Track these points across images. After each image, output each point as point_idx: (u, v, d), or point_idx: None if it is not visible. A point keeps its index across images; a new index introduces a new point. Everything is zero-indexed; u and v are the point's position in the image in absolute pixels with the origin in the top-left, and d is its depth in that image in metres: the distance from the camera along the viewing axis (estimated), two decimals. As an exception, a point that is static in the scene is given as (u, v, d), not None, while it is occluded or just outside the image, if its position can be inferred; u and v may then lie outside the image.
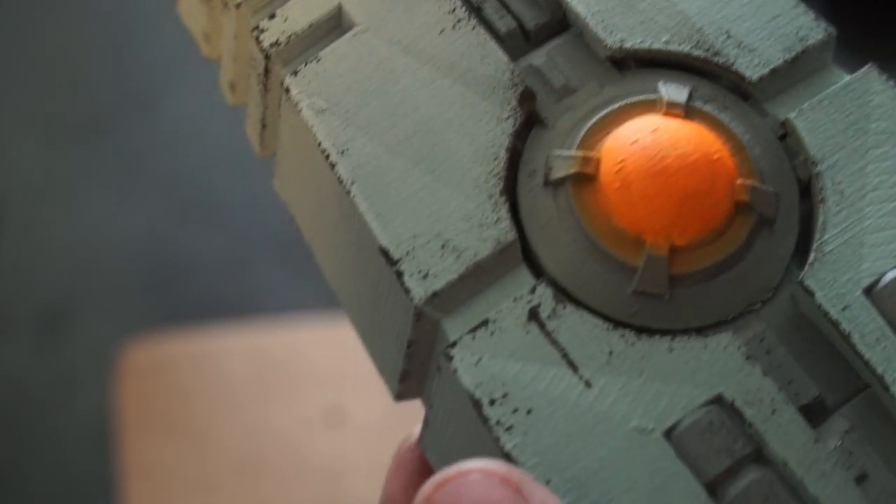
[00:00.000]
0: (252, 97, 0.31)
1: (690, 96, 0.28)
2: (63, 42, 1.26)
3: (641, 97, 0.28)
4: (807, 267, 0.27)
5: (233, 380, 0.99)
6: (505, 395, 0.25)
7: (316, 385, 0.98)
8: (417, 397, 0.30)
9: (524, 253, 0.27)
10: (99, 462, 1.01)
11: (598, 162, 0.27)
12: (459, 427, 0.27)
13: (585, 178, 0.27)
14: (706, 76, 0.29)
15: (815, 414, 0.26)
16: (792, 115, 0.28)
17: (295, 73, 0.29)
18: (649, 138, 0.27)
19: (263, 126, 0.31)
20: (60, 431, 1.05)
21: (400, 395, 0.29)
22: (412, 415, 0.30)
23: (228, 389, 0.98)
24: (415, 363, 0.28)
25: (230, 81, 0.32)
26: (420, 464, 0.29)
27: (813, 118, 0.28)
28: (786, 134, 0.28)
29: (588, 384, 0.25)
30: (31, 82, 1.24)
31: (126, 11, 1.28)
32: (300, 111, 0.28)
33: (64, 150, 1.19)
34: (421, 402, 0.30)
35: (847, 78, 0.29)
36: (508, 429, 0.25)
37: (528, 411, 0.25)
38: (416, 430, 0.29)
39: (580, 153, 0.27)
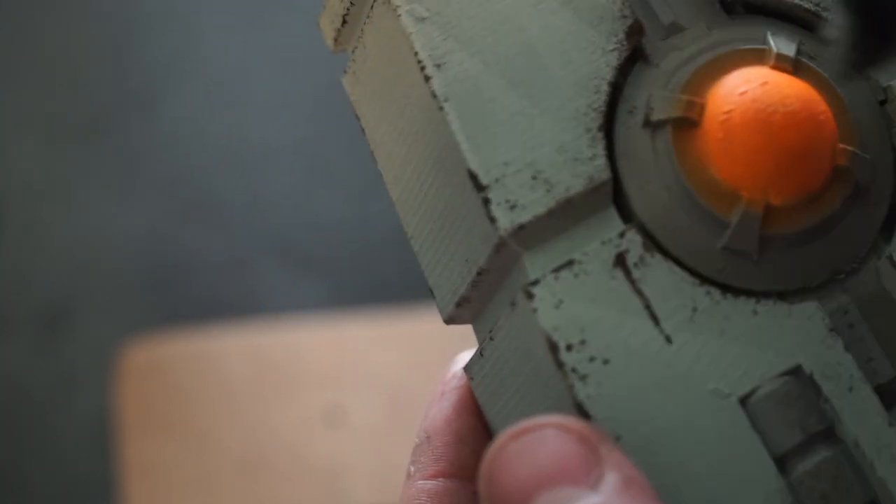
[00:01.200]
0: None
1: (798, 50, 0.27)
2: (63, 42, 1.26)
3: (750, 45, 0.27)
4: (894, 241, 0.26)
5: (233, 380, 0.99)
6: (583, 342, 0.24)
7: (316, 385, 0.98)
8: (468, 323, 0.29)
9: (615, 194, 0.26)
10: (99, 462, 1.01)
11: (702, 108, 0.26)
12: (523, 367, 0.25)
13: (688, 123, 0.26)
14: (811, 30, 0.28)
15: (890, 395, 0.25)
16: (894, 83, 0.27)
17: None
18: (759, 91, 0.26)
19: (344, 22, 0.29)
20: (60, 431, 1.05)
21: (451, 319, 0.28)
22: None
23: (228, 389, 0.98)
24: (478, 292, 0.27)
25: None
26: (464, 393, 0.28)
27: None
28: (886, 100, 0.27)
29: (669, 339, 0.25)
30: (31, 82, 1.24)
31: (126, 11, 1.28)
32: (399, 16, 0.27)
33: (64, 150, 1.19)
34: (474, 331, 0.28)
35: None
36: (583, 377, 0.24)
37: (605, 361, 0.24)
38: (461, 356, 0.28)
39: (685, 96, 0.26)
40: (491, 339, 0.27)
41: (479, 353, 0.27)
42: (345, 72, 0.30)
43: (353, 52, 0.30)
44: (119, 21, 1.28)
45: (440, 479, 0.28)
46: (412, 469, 0.28)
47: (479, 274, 0.26)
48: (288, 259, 1.13)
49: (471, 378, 0.28)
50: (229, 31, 1.25)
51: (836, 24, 0.23)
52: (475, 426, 0.27)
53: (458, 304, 0.28)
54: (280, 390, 0.98)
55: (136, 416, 0.98)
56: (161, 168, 1.19)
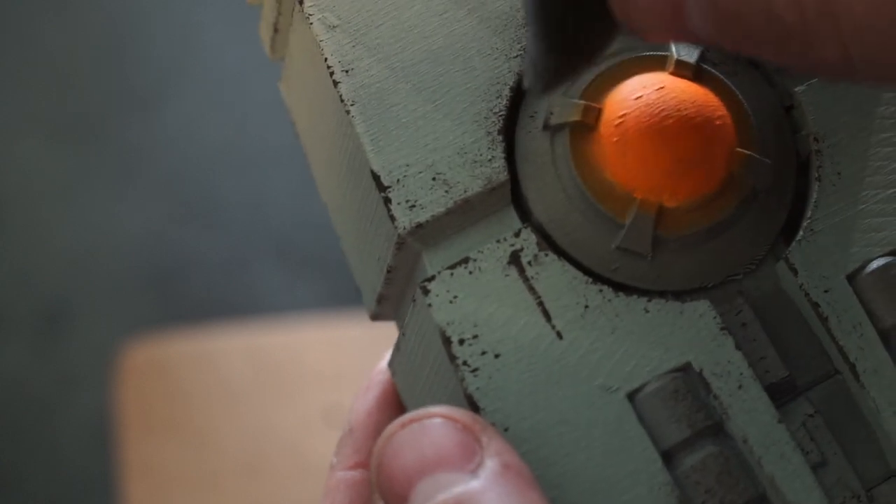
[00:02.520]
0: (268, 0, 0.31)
1: (701, 57, 0.28)
2: (63, 42, 1.26)
3: (651, 52, 0.28)
4: (793, 244, 0.27)
5: (233, 380, 0.99)
6: (475, 337, 0.25)
7: (315, 385, 0.98)
8: (391, 320, 0.30)
9: (513, 196, 0.27)
10: (99, 462, 1.01)
11: (599, 113, 0.27)
12: (427, 359, 0.26)
13: (585, 128, 0.27)
14: None
15: (781, 393, 0.26)
16: (800, 89, 0.28)
17: None
18: (654, 96, 0.27)
19: (276, 30, 0.31)
20: (60, 431, 1.05)
21: (375, 316, 0.30)
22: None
23: (228, 389, 0.98)
24: (392, 288, 0.28)
25: None
26: (387, 387, 0.30)
27: (821, 94, 0.28)
28: (792, 106, 0.28)
29: (560, 335, 0.25)
30: (32, 82, 1.24)
31: (126, 11, 1.28)
32: (311, 24, 0.28)
33: (64, 150, 1.19)
34: (396, 326, 0.30)
35: None
36: (474, 370, 0.25)
37: (497, 355, 0.25)
38: (389, 353, 0.29)
39: (583, 102, 0.27)
40: (403, 334, 0.28)
41: (397, 348, 0.28)
42: (278, 79, 0.32)
43: (283, 59, 0.31)
44: (119, 21, 1.28)
45: (360, 470, 0.29)
46: (334, 460, 0.29)
47: (388, 271, 0.28)
48: (287, 259, 1.13)
49: (393, 373, 0.29)
50: (229, 31, 1.25)
51: (528, 48, 0.24)
52: (395, 418, 0.28)
53: (378, 301, 0.29)
54: (280, 390, 0.98)
55: (136, 416, 0.98)
56: (161, 168, 1.19)
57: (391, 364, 0.29)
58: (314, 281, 1.11)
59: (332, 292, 1.09)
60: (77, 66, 1.25)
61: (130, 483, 0.95)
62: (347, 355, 0.98)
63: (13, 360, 1.09)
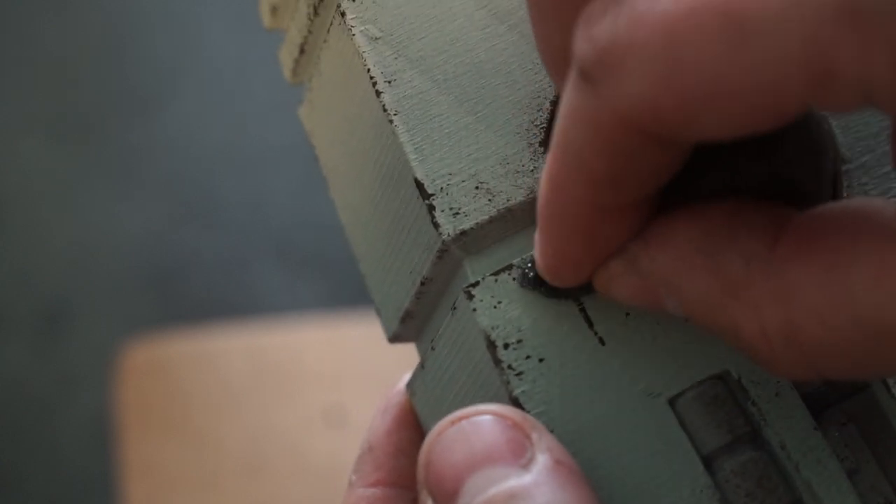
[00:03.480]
0: (297, 21, 0.31)
1: None
2: (63, 42, 1.26)
3: None
4: None
5: (233, 380, 0.99)
6: (519, 342, 0.25)
7: (316, 385, 0.98)
8: (412, 341, 0.30)
9: None
10: (99, 462, 1.01)
11: None
12: (463, 370, 0.27)
13: None
14: None
15: (816, 403, 0.26)
16: (828, 112, 0.28)
17: None
18: None
19: (302, 52, 0.31)
20: (60, 431, 1.05)
21: (395, 337, 0.30)
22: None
23: (228, 389, 0.98)
24: (421, 304, 0.28)
25: (273, 4, 0.32)
26: (406, 408, 0.30)
27: (848, 117, 0.28)
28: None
29: (602, 341, 0.26)
30: (32, 82, 1.24)
31: (126, 12, 1.28)
32: (353, 36, 0.28)
33: (64, 150, 1.19)
34: (417, 350, 0.30)
35: None
36: (519, 374, 0.25)
37: (541, 360, 0.25)
38: (406, 376, 0.29)
39: None
40: (432, 349, 0.28)
41: (421, 366, 0.29)
42: (301, 103, 0.32)
43: (309, 80, 0.31)
44: (119, 21, 1.28)
45: (380, 487, 0.29)
46: (353, 477, 0.30)
47: (422, 284, 0.28)
48: (287, 259, 1.13)
49: (412, 394, 0.29)
50: (229, 31, 1.25)
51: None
52: (414, 439, 0.29)
53: (403, 320, 0.29)
54: (280, 390, 0.98)
55: (136, 416, 0.98)
56: (161, 168, 1.19)
57: (411, 385, 0.29)
58: (314, 281, 1.11)
59: (333, 292, 1.09)
60: (77, 66, 1.25)
61: (130, 483, 0.95)
62: (347, 355, 0.98)
63: (13, 360, 1.09)
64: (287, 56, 0.31)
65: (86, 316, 1.10)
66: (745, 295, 0.22)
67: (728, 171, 0.24)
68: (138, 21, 1.27)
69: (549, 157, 0.23)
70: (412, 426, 0.29)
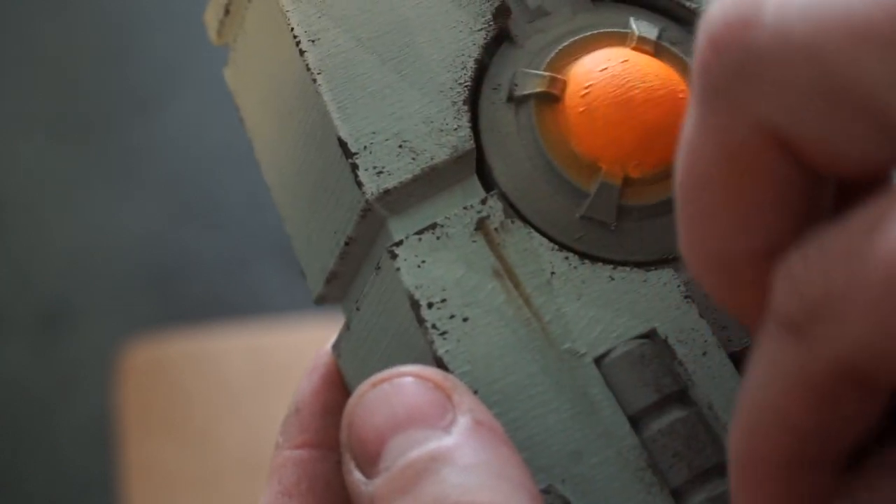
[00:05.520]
0: None
1: (660, 35, 0.28)
2: (64, 42, 1.26)
3: (612, 29, 0.29)
4: None
5: (233, 380, 0.99)
6: (444, 301, 0.25)
7: (316, 385, 0.98)
8: (337, 303, 0.30)
9: (478, 166, 0.27)
10: (99, 462, 1.01)
11: (564, 84, 0.27)
12: (388, 330, 0.27)
13: (550, 99, 0.27)
14: (676, 20, 0.29)
15: (743, 363, 0.26)
16: None
17: None
18: (619, 68, 0.27)
19: (227, 12, 0.31)
20: (60, 431, 1.05)
21: (321, 298, 0.30)
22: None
23: (228, 389, 0.98)
24: (346, 264, 0.28)
25: None
26: (333, 369, 0.30)
27: None
28: None
29: (527, 301, 0.26)
30: (32, 82, 1.24)
31: (126, 12, 1.28)
32: None
33: (64, 150, 1.19)
34: (342, 311, 0.30)
35: None
36: (443, 333, 0.25)
37: (465, 319, 0.25)
38: (333, 338, 0.29)
39: (548, 73, 0.28)
40: (357, 309, 0.28)
41: (346, 327, 0.29)
42: (225, 65, 0.32)
43: (234, 41, 0.31)
44: (119, 21, 1.28)
45: (306, 449, 0.29)
46: (280, 439, 0.29)
47: (346, 244, 0.28)
48: (288, 259, 1.13)
49: (338, 355, 0.29)
50: (229, 31, 1.25)
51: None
52: (341, 400, 0.28)
53: (328, 281, 0.29)
54: (280, 390, 0.98)
55: (136, 416, 0.98)
56: (161, 168, 1.19)
57: (336, 346, 0.29)
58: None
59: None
60: (77, 66, 1.25)
61: (130, 483, 0.95)
62: (348, 355, 0.98)
63: (13, 360, 1.09)
64: (212, 17, 0.32)
65: (86, 316, 1.10)
66: None
67: None
68: (138, 21, 1.27)
69: (741, 415, 0.21)
70: (339, 387, 0.29)
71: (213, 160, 1.19)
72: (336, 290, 0.29)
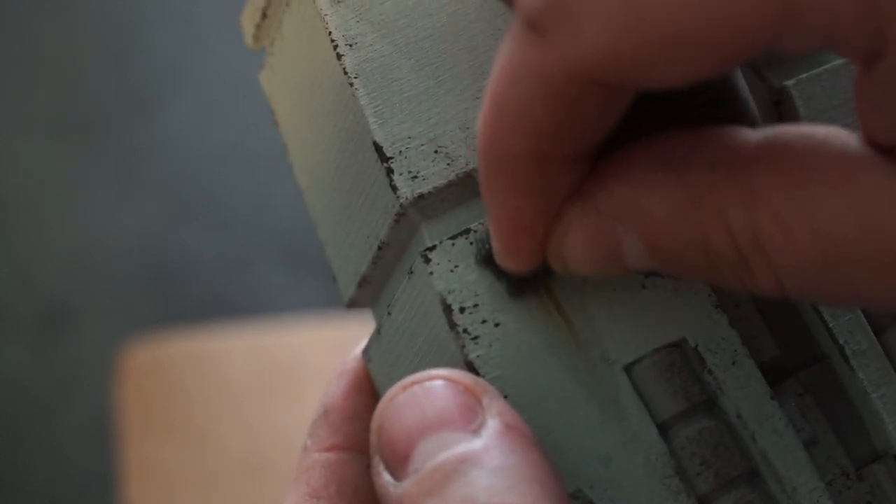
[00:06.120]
0: None
1: None
2: (64, 43, 1.26)
3: None
4: None
5: (233, 380, 0.99)
6: (476, 306, 0.25)
7: (317, 385, 0.98)
8: (368, 307, 0.30)
9: None
10: (99, 462, 1.01)
11: None
12: (419, 335, 0.27)
13: None
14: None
15: (772, 373, 0.26)
16: (789, 84, 0.28)
17: None
18: None
19: (264, 16, 0.31)
20: (60, 431, 1.05)
21: (352, 303, 0.30)
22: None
23: (228, 389, 0.98)
24: (378, 268, 0.28)
25: None
26: (362, 373, 0.30)
27: (809, 90, 0.28)
28: (780, 101, 0.29)
29: (559, 306, 0.26)
30: (32, 82, 1.24)
31: (127, 12, 1.28)
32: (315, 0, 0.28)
33: (64, 150, 1.19)
34: (373, 316, 0.30)
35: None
36: (475, 338, 0.25)
37: (497, 324, 0.25)
38: (363, 342, 0.30)
39: None
40: (389, 314, 0.28)
41: (377, 332, 0.29)
42: (261, 68, 0.32)
43: (270, 45, 0.31)
44: (119, 21, 1.28)
45: (335, 452, 0.29)
46: (308, 442, 0.30)
47: (380, 248, 0.28)
48: (289, 259, 1.13)
49: (368, 360, 0.29)
50: (230, 31, 1.25)
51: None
52: (370, 404, 0.29)
53: (360, 285, 0.29)
54: (281, 390, 0.98)
55: (136, 416, 0.98)
56: (162, 168, 1.19)
57: (367, 351, 0.29)
58: (316, 280, 1.11)
59: (334, 292, 1.09)
60: (77, 66, 1.25)
61: (130, 483, 0.95)
62: (348, 355, 0.98)
63: (13, 360, 1.09)
64: (248, 21, 0.31)
65: (86, 316, 1.10)
66: (711, 200, 0.22)
67: (671, 104, 0.24)
68: (138, 21, 1.27)
69: (485, 111, 0.22)
70: (368, 391, 0.29)
71: (213, 160, 1.19)
72: (367, 294, 0.29)
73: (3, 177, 1.18)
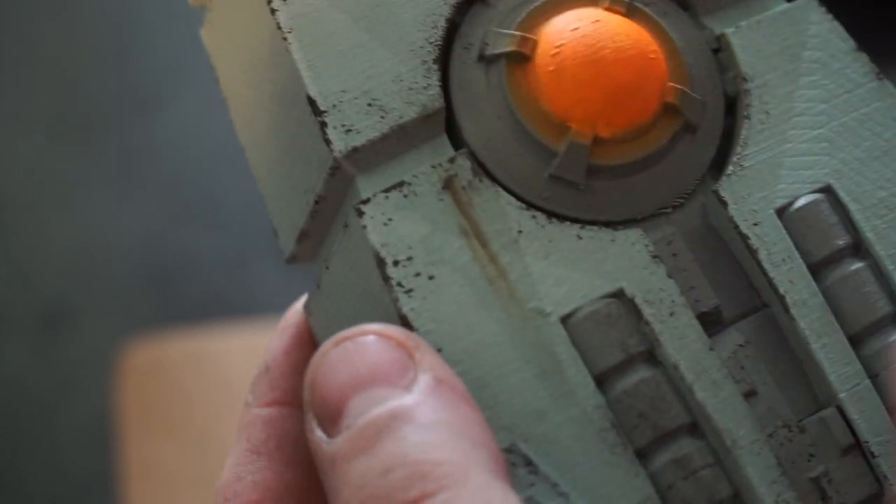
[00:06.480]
0: None
1: None
2: (64, 42, 1.26)
3: None
4: (723, 178, 0.27)
5: (233, 380, 0.99)
6: (409, 259, 0.25)
7: (316, 385, 0.98)
8: (309, 261, 0.30)
9: (447, 125, 0.28)
10: (99, 462, 1.01)
11: (535, 43, 0.28)
12: (355, 288, 0.27)
13: (520, 58, 0.27)
14: None
15: (711, 324, 0.26)
16: (729, 31, 0.28)
17: None
18: (590, 27, 0.27)
19: None
20: (60, 431, 1.05)
21: (293, 257, 0.30)
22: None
23: (228, 389, 0.98)
24: (316, 223, 0.28)
25: None
26: (303, 328, 0.30)
27: (749, 37, 0.28)
28: (720, 48, 0.29)
29: (493, 259, 0.26)
30: (32, 82, 1.24)
31: (126, 12, 1.28)
32: None
33: (64, 150, 1.19)
34: (315, 271, 0.30)
35: (787, 4, 0.29)
36: (408, 291, 0.25)
37: (430, 277, 0.25)
38: (304, 298, 0.30)
39: (519, 32, 0.28)
40: (327, 268, 0.28)
41: (316, 286, 0.29)
42: (201, 25, 0.32)
43: (210, 1, 0.32)
44: (119, 22, 1.28)
45: (275, 407, 0.29)
46: (250, 398, 0.30)
47: (316, 202, 0.28)
48: (288, 259, 1.13)
49: (309, 314, 0.29)
50: (229, 31, 1.25)
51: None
52: (310, 358, 0.28)
53: (299, 240, 0.29)
54: (280, 390, 0.98)
55: (136, 416, 0.98)
56: (161, 168, 1.19)
57: (307, 305, 0.29)
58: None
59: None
60: (77, 66, 1.25)
61: (130, 483, 0.95)
62: (348, 355, 0.98)
63: (13, 360, 1.09)
64: None
65: (86, 316, 1.10)
66: None
67: None
68: (138, 21, 1.27)
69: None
70: (309, 346, 0.29)
71: (213, 160, 1.18)
72: (307, 249, 0.29)
73: (3, 177, 1.18)
